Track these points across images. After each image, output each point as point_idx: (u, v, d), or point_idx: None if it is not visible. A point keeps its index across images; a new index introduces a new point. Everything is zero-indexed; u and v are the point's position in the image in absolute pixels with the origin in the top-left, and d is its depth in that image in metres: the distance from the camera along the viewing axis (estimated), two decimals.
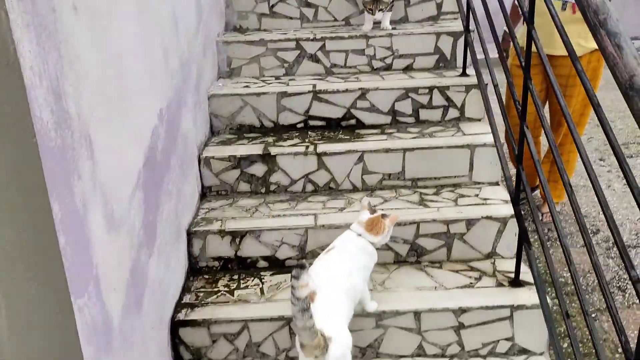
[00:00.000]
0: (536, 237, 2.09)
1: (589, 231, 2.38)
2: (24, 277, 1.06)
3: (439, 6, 2.76)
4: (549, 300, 1.62)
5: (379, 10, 2.54)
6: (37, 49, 1.00)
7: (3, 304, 1.08)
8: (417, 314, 1.74)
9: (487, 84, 2.15)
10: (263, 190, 2.19)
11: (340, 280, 1.60)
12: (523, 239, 1.73)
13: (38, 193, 1.02)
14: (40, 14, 1.01)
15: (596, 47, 2.20)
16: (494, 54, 1.98)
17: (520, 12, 2.18)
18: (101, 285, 1.24)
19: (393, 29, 2.59)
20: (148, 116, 1.61)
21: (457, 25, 2.56)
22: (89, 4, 1.22)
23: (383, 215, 1.74)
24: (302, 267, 1.37)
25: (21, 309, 1.09)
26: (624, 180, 3.28)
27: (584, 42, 2.62)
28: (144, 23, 1.61)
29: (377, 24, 2.62)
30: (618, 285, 2.62)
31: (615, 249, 2.91)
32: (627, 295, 2.55)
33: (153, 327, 1.60)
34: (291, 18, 2.78)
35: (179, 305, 1.81)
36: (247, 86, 2.43)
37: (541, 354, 1.76)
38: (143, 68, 1.59)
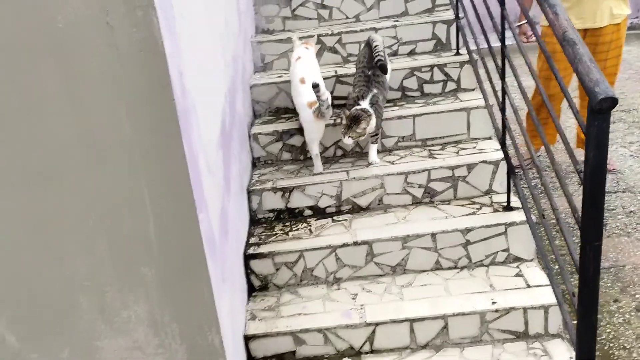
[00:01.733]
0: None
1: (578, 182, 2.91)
2: (166, 197, 1.58)
3: (433, 0, 3.28)
4: (534, 218, 2.13)
5: (348, 136, 2.37)
6: (170, 43, 1.52)
7: (152, 217, 1.60)
8: (433, 236, 2.25)
9: (477, 60, 2.66)
10: (302, 158, 2.72)
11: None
12: (510, 171, 2.24)
13: (176, 139, 1.54)
14: (170, 20, 1.54)
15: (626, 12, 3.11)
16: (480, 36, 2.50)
17: None
18: (209, 210, 1.76)
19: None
20: (219, 96, 2.13)
21: (450, 15, 3.08)
22: (185, 13, 1.75)
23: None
24: (316, 85, 2.27)
25: (164, 220, 1.61)
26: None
27: (619, 10, 3.15)
28: (210, 27, 2.14)
29: (363, 156, 2.60)
30: None
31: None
32: (607, 228, 3.03)
33: (235, 255, 2.12)
34: (310, 19, 3.31)
35: (248, 245, 2.33)
36: (279, 76, 2.95)
37: (531, 260, 2.26)
38: (213, 60, 2.12)
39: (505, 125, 2.25)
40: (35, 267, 1.64)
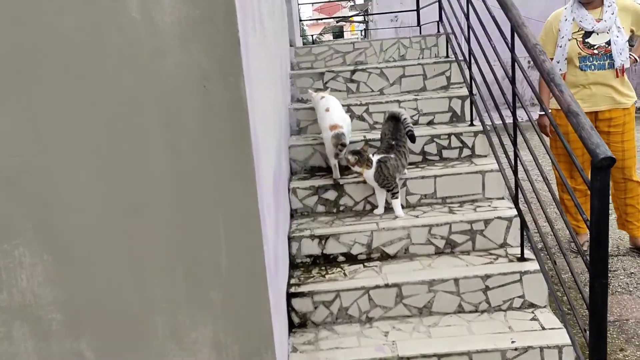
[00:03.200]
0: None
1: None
2: (239, 230, 1.88)
3: (448, 79, 3.71)
4: (546, 268, 2.41)
5: (344, 156, 2.91)
6: (250, 101, 1.87)
7: (224, 246, 1.89)
8: (456, 280, 2.52)
9: (489, 129, 3.03)
10: (334, 211, 3.03)
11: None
12: (523, 225, 2.55)
13: (251, 182, 1.86)
14: (249, 84, 1.90)
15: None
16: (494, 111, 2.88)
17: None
18: (269, 244, 2.06)
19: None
20: (273, 152, 2.48)
21: (464, 92, 3.49)
22: (255, 80, 2.11)
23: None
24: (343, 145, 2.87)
25: (234, 249, 1.90)
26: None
27: (623, 97, 3.30)
28: (269, 90, 2.51)
29: (390, 210, 2.94)
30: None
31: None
32: (610, 287, 3.29)
33: (282, 292, 2.38)
34: (340, 91, 3.73)
35: (289, 285, 2.59)
36: (314, 139, 3.32)
37: (544, 306, 2.52)
38: (271, 121, 2.48)
39: (517, 185, 2.58)
40: (117, 288, 1.91)
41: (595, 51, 3.26)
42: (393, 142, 2.92)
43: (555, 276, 2.97)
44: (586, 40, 3.28)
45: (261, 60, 2.31)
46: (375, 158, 2.86)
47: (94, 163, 1.84)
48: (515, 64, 2.46)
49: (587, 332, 1.87)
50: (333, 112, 3.06)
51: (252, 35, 2.07)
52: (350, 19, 18.07)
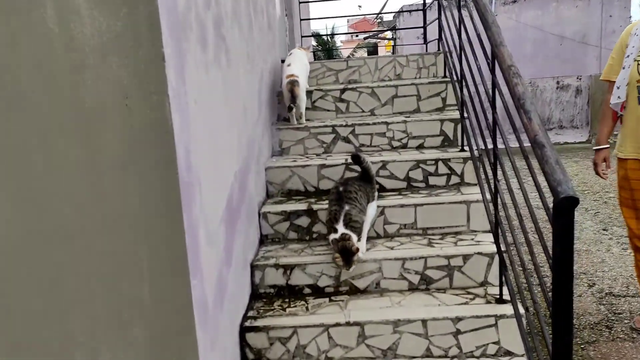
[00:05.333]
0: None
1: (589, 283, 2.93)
2: (163, 262, 1.72)
3: (444, 100, 3.49)
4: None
5: (351, 268, 2.47)
6: (179, 124, 1.72)
7: (148, 281, 1.74)
8: (424, 322, 2.29)
9: (478, 156, 2.80)
10: (307, 238, 2.84)
11: None
12: (501, 265, 2.31)
13: (176, 210, 1.70)
14: (182, 105, 1.75)
15: None
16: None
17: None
18: (204, 278, 1.89)
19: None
20: (228, 174, 2.32)
21: (455, 114, 3.27)
22: (199, 100, 1.96)
23: None
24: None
25: (159, 284, 1.74)
26: (622, 245, 3.86)
27: None
28: (228, 113, 2.36)
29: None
30: (606, 324, 3.08)
31: (607, 297, 3.39)
32: (612, 331, 2.99)
33: (228, 326, 2.21)
34: (328, 110, 3.56)
35: (245, 318, 2.41)
36: (294, 160, 3.15)
37: (522, 355, 2.27)
38: (227, 142, 2.32)
39: (497, 220, 2.34)
40: (34, 321, 1.77)
41: None
42: (341, 189, 2.63)
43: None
44: None
45: (214, 77, 2.16)
46: (340, 226, 2.51)
47: (6, 185, 1.72)
48: (496, 87, 2.25)
49: None
50: (293, 66, 3.40)
51: (196, 51, 1.93)
52: (377, 35, 17.93)
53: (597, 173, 3.02)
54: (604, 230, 4.58)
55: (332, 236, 2.49)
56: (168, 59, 1.63)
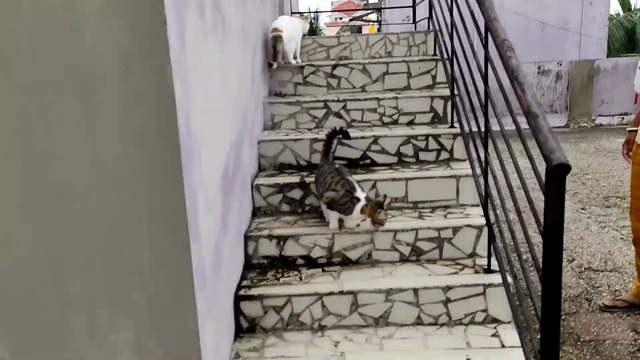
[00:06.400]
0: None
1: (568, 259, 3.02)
2: (164, 227, 1.74)
3: (434, 78, 3.53)
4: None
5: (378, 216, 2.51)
6: (181, 89, 1.73)
7: (147, 245, 1.75)
8: (415, 291, 2.35)
9: (468, 133, 2.85)
10: (299, 210, 2.88)
11: None
12: (490, 235, 2.37)
13: (177, 174, 1.71)
14: (183, 70, 1.76)
15: None
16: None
17: None
18: (202, 244, 1.91)
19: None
20: (225, 143, 2.33)
21: (445, 91, 3.31)
22: (198, 67, 1.97)
23: None
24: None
25: (159, 248, 1.75)
26: (600, 224, 3.96)
27: None
28: (224, 83, 2.37)
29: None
30: (585, 297, 3.18)
31: (586, 272, 3.49)
32: (591, 304, 3.10)
33: (224, 294, 2.24)
34: (320, 86, 3.57)
35: (239, 287, 2.45)
36: (287, 134, 3.17)
37: (508, 322, 2.34)
38: (223, 111, 2.33)
39: (487, 193, 2.40)
40: (32, 286, 1.78)
41: None
42: (337, 166, 2.71)
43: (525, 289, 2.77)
44: None
45: (212, 46, 2.17)
46: (361, 193, 2.57)
47: (5, 149, 1.72)
48: (489, 63, 2.29)
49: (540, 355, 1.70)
50: (280, 22, 3.47)
51: (195, 17, 1.93)
52: (362, 18, 17.88)
53: (627, 151, 3.03)
54: (582, 209, 4.69)
55: (359, 205, 2.52)
56: (170, 23, 1.63)
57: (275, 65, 3.39)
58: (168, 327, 1.81)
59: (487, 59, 2.29)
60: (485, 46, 2.28)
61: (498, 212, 2.31)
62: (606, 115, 9.94)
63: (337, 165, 2.69)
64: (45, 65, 1.65)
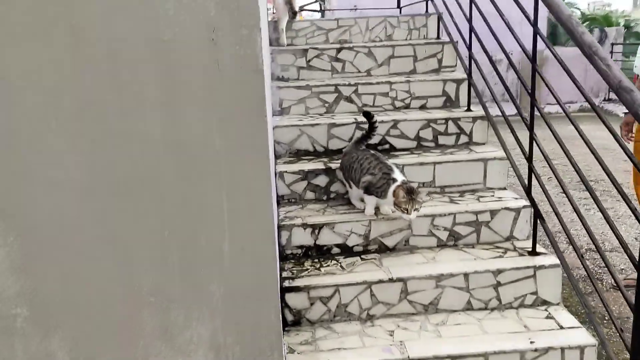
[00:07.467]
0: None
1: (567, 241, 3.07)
2: (246, 216, 1.58)
3: (440, 61, 3.50)
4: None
5: (414, 210, 2.36)
6: (265, 62, 1.57)
7: (228, 234, 1.59)
8: (466, 275, 2.30)
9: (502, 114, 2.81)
10: (324, 198, 2.75)
11: None
12: (537, 216, 2.36)
13: (264, 157, 1.56)
14: (265, 42, 1.60)
15: None
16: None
17: None
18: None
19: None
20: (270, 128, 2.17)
21: (458, 75, 3.29)
22: (265, 38, 1.81)
23: None
24: None
25: (241, 238, 1.60)
26: (584, 206, 4.04)
27: None
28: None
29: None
30: (596, 277, 3.28)
31: (588, 253, 3.60)
32: (603, 283, 3.19)
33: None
34: (324, 70, 3.45)
35: (282, 279, 2.31)
36: (300, 120, 3.03)
37: (557, 304, 2.35)
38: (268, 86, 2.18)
39: (532, 172, 2.39)
40: (97, 279, 1.58)
41: None
42: (372, 151, 2.61)
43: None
44: None
45: (264, 19, 2.01)
46: (399, 175, 2.45)
47: (72, 128, 1.49)
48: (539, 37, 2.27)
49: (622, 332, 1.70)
50: None
51: None
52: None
53: (626, 131, 3.18)
54: (562, 193, 4.84)
55: (394, 186, 2.38)
56: None
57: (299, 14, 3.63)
58: (248, 321, 1.66)
59: (536, 34, 2.27)
60: (535, 23, 2.26)
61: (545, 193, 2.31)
62: (554, 104, 10.40)
63: (372, 152, 2.59)
64: (120, 38, 1.45)
